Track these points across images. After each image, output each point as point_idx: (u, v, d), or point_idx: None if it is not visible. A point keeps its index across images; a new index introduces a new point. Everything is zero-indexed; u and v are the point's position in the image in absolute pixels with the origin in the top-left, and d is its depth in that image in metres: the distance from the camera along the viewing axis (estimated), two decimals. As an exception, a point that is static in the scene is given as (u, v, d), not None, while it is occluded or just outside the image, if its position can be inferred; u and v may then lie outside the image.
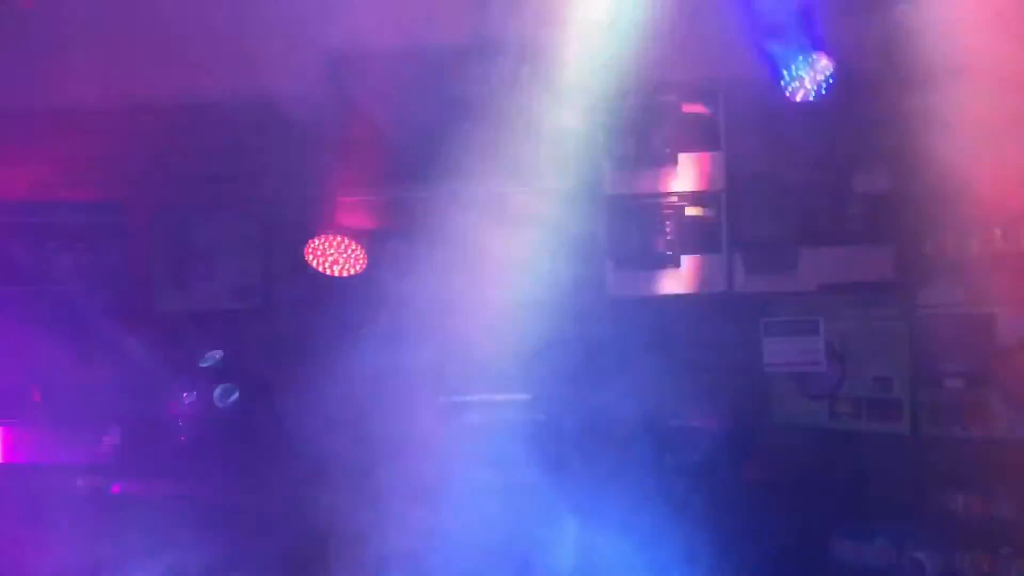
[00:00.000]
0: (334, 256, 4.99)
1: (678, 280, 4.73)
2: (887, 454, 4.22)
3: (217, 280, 5.17)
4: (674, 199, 4.74)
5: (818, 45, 4.12)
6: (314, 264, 4.98)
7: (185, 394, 5.01)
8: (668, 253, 4.73)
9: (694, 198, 4.73)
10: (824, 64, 4.16)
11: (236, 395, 4.94)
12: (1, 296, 5.19)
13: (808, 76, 4.20)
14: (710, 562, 4.11)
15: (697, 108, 4.74)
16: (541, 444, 4.64)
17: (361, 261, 5.00)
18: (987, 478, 3.82)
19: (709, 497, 4.25)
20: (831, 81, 4.18)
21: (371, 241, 5.05)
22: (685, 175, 4.73)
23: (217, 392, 4.96)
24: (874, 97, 4.16)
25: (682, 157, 4.72)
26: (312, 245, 4.95)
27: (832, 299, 4.31)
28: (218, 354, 5.04)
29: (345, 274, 5.01)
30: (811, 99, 4.22)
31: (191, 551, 4.40)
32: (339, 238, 4.98)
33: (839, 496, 4.25)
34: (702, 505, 4.23)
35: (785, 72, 4.21)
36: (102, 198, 5.33)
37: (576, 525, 4.51)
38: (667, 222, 4.73)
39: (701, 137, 4.72)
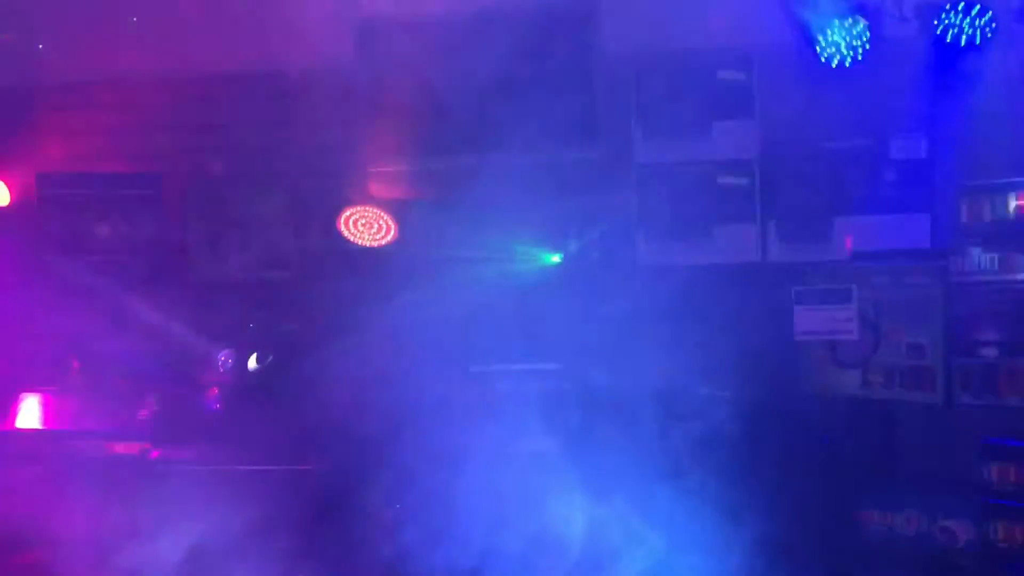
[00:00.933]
0: (365, 226, 5.03)
1: (710, 249, 4.70)
2: (919, 423, 4.19)
3: (251, 250, 5.24)
4: (707, 167, 4.70)
5: (853, 9, 4.06)
6: (346, 234, 5.02)
7: (220, 362, 5.08)
8: (700, 222, 4.71)
9: (727, 166, 4.69)
10: (859, 28, 4.09)
11: (270, 362, 5.00)
12: (40, 266, 5.30)
13: (843, 41, 4.13)
14: (739, 530, 4.10)
15: (731, 75, 4.69)
16: (570, 413, 4.65)
17: (392, 231, 5.04)
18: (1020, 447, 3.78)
19: (739, 466, 4.23)
20: (866, 46, 4.11)
21: (401, 211, 5.08)
22: (719, 143, 4.69)
23: (251, 360, 5.03)
24: (910, 61, 4.09)
25: (716, 125, 4.68)
26: (344, 215, 4.99)
27: (866, 267, 4.25)
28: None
29: (376, 244, 5.05)
30: (846, 64, 4.16)
31: (226, 517, 4.46)
32: (370, 208, 5.02)
33: (869, 465, 4.22)
34: (732, 474, 4.21)
35: (820, 37, 4.15)
36: (139, 170, 5.42)
37: (603, 494, 4.50)
38: (700, 191, 4.69)
39: (735, 104, 4.66)
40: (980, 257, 3.91)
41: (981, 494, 3.83)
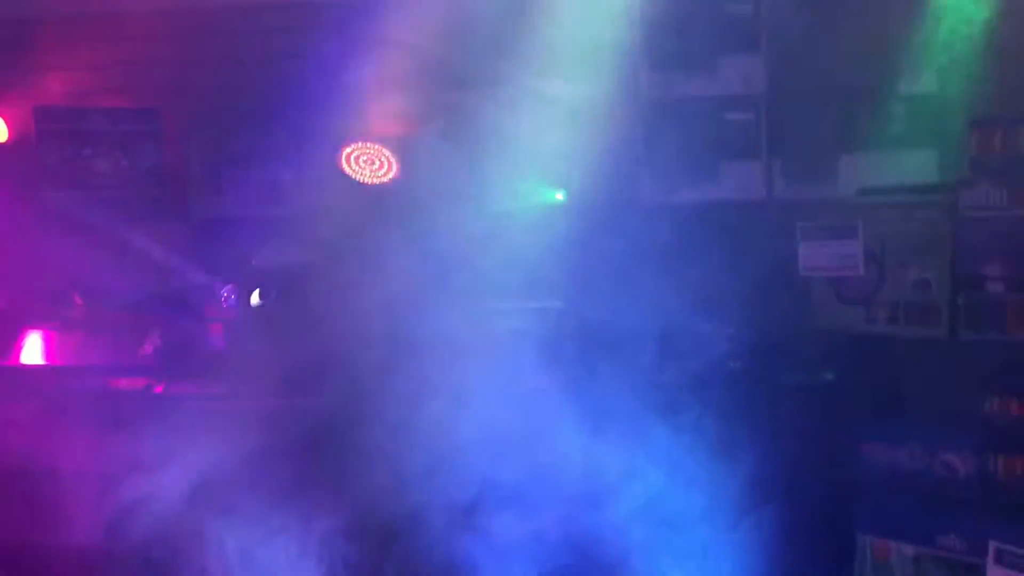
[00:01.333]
0: (367, 162, 4.99)
1: (716, 186, 4.65)
2: (923, 358, 4.19)
3: (252, 185, 5.20)
4: (713, 103, 4.64)
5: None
6: (347, 171, 4.98)
7: (223, 297, 5.07)
8: (706, 159, 4.65)
9: (732, 102, 4.63)
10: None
11: (272, 298, 4.99)
12: (40, 201, 5.28)
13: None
14: (741, 465, 4.12)
15: (737, 9, 4.61)
16: (572, 351, 4.64)
17: (393, 167, 4.99)
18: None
19: (742, 403, 4.24)
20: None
21: (403, 147, 5.03)
22: (725, 78, 4.62)
23: (253, 295, 5.02)
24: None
25: (721, 60, 4.61)
26: (345, 151, 4.95)
27: (872, 203, 4.21)
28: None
29: (377, 181, 5.01)
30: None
31: (229, 450, 4.48)
32: (371, 144, 4.97)
33: (873, 400, 4.23)
34: (735, 411, 4.22)
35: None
36: (139, 105, 5.37)
37: (603, 431, 4.51)
38: (705, 127, 4.63)
39: (741, 39, 4.58)
40: (989, 191, 3.87)
41: (982, 428, 3.82)
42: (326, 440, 4.54)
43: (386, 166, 5.02)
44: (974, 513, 3.80)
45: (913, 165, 4.22)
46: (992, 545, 3.72)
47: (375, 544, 4.74)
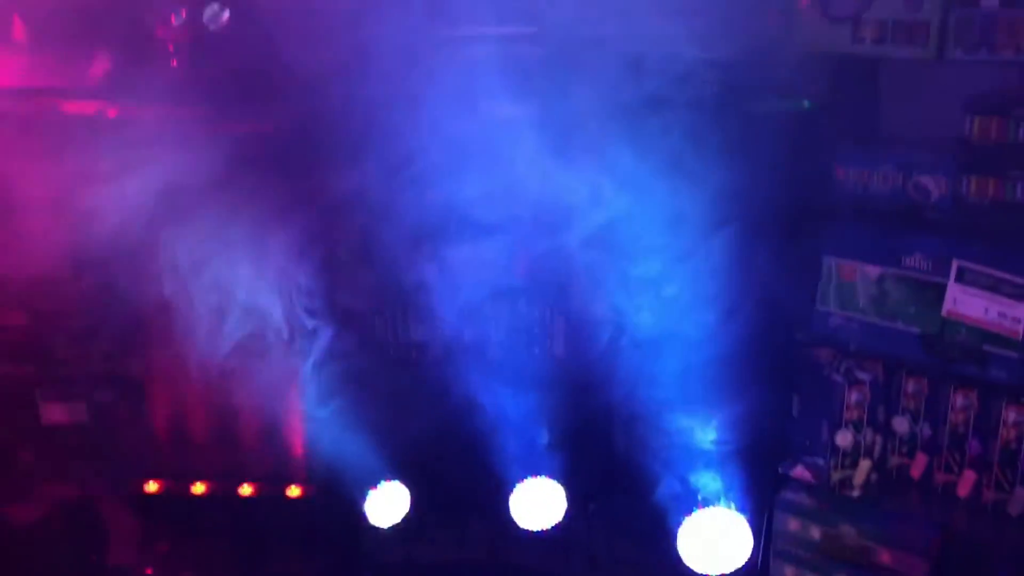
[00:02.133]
0: None
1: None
2: (907, 79, 4.05)
3: None
4: None
5: None
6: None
7: (173, 16, 4.76)
8: None
9: None
10: None
11: (226, 16, 4.69)
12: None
13: None
14: (706, 189, 4.06)
15: None
16: (544, 79, 4.46)
17: None
18: (1007, 101, 3.66)
19: (713, 127, 4.12)
20: None
21: None
22: None
23: (207, 13, 4.71)
24: None
25: None
26: None
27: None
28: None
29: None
30: None
31: (184, 172, 4.36)
32: None
33: (850, 125, 4.12)
34: (705, 134, 4.11)
35: None
36: None
37: (568, 153, 4.40)
38: None
39: None
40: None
41: (958, 150, 3.75)
42: (287, 160, 4.43)
43: None
44: (941, 235, 3.79)
45: None
46: (955, 263, 3.74)
47: (335, 266, 4.77)
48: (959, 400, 3.90)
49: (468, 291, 4.73)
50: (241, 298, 4.64)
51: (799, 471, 4.30)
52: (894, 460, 4.13)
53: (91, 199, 4.38)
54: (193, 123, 4.55)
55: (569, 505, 4.93)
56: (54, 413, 5.34)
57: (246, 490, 5.05)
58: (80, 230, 4.55)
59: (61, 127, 4.76)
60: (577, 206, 4.36)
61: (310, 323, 4.83)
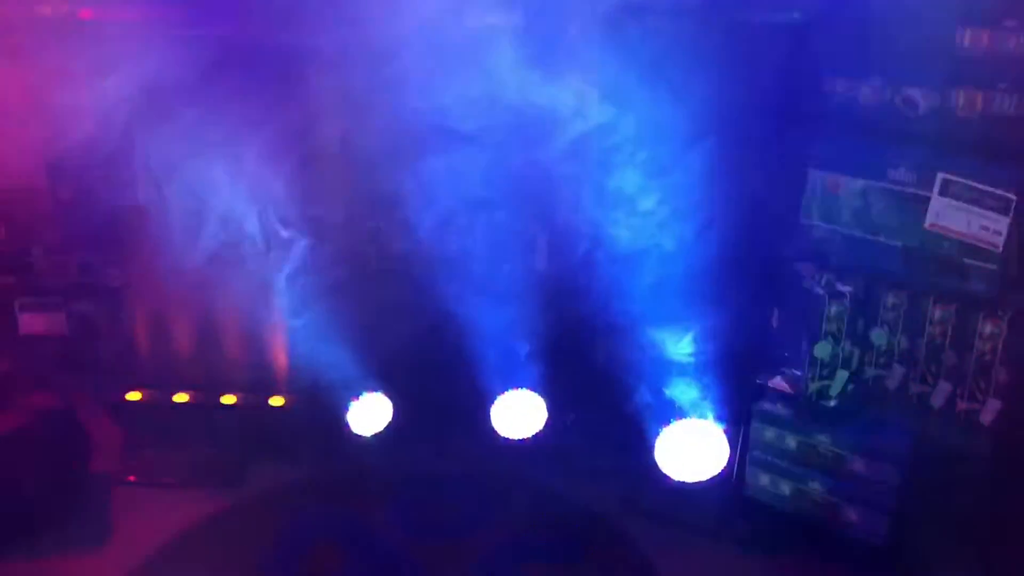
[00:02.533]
0: None
1: None
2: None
3: None
4: None
5: None
6: None
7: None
8: None
9: None
10: None
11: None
12: None
13: None
14: (693, 99, 4.02)
15: None
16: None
17: None
18: (999, 13, 3.61)
19: (702, 39, 4.07)
20: None
21: None
22: None
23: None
24: None
25: None
26: None
27: None
28: None
29: None
30: None
31: (159, 76, 4.27)
32: None
33: (838, 37, 4.06)
34: (694, 46, 4.05)
35: None
36: None
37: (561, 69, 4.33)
38: None
39: None
40: None
41: (948, 62, 3.71)
42: (263, 64, 4.34)
43: None
44: (927, 148, 3.78)
45: None
46: (940, 176, 3.74)
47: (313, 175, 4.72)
48: (937, 313, 3.95)
49: (447, 202, 4.70)
50: (217, 206, 4.59)
51: (777, 381, 4.36)
52: (871, 371, 4.20)
53: (65, 104, 4.29)
54: (168, 25, 4.46)
55: (549, 415, 4.99)
56: (33, 324, 5.32)
57: (228, 399, 5.07)
58: (55, 137, 4.49)
59: (33, 29, 4.65)
60: (558, 116, 4.32)
61: (285, 232, 4.80)
